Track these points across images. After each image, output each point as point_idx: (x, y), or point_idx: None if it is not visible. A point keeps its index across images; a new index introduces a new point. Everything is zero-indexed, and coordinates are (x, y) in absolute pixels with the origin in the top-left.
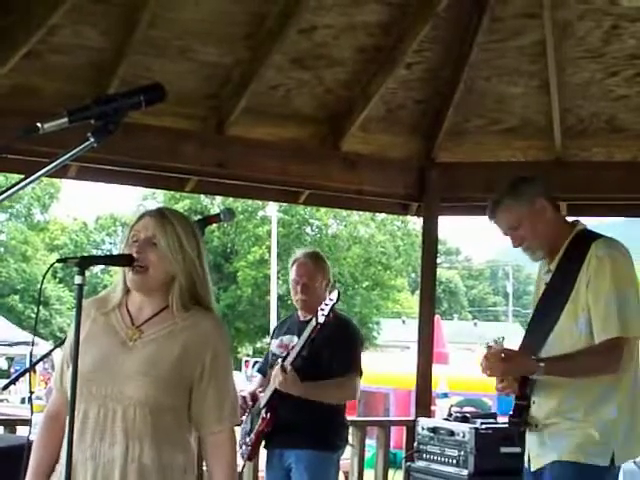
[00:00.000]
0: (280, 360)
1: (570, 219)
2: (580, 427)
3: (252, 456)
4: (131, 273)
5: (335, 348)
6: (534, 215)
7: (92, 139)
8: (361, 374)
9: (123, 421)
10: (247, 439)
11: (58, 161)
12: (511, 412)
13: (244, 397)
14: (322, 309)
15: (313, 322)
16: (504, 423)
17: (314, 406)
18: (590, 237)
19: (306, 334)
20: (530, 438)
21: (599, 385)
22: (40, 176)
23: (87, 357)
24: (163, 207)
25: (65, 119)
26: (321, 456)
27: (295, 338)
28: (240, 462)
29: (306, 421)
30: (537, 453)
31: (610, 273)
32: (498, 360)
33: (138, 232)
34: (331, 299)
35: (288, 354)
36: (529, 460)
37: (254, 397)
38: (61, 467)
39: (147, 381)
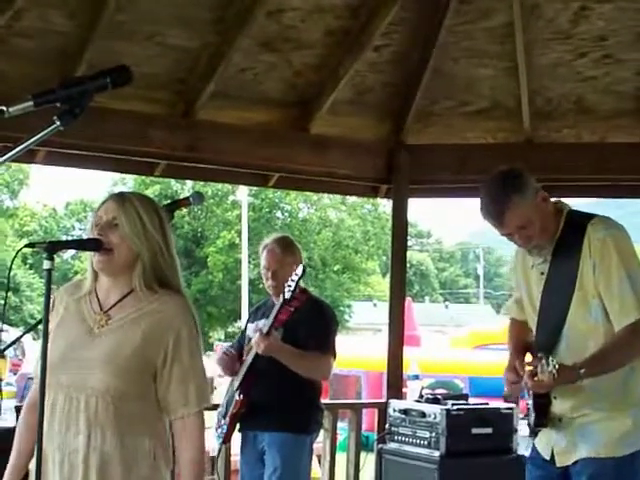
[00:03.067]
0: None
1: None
2: (611, 417)
3: (227, 439)
4: (97, 255)
5: (311, 329)
6: (541, 210)
7: (58, 122)
8: (335, 356)
9: (86, 410)
10: (222, 422)
11: (24, 145)
12: (533, 412)
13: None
14: (289, 285)
15: (280, 298)
16: (476, 403)
17: (288, 388)
18: (582, 218)
19: (275, 310)
20: (553, 433)
21: (621, 369)
22: (5, 160)
23: (56, 346)
24: (126, 191)
25: (31, 102)
26: (294, 439)
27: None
28: (216, 446)
29: (280, 403)
30: (564, 449)
31: (616, 254)
32: (550, 381)
33: (101, 216)
34: (296, 274)
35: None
36: (552, 456)
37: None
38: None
39: (108, 371)
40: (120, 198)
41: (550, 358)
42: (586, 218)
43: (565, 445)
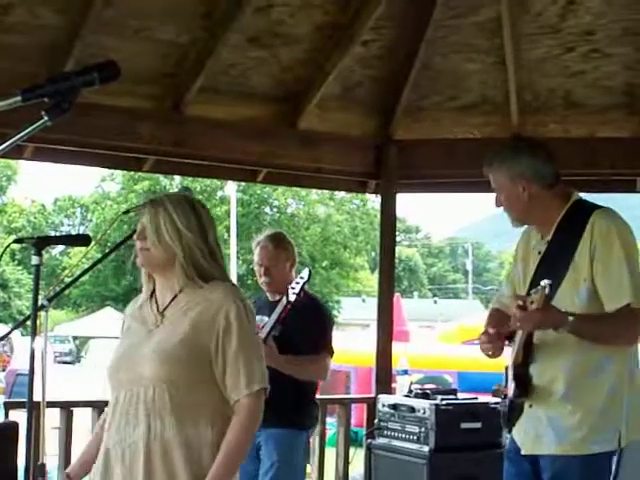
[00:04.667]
0: None
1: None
2: (581, 410)
3: None
4: (137, 253)
5: (307, 328)
6: (513, 194)
7: (46, 117)
8: (332, 354)
9: (145, 402)
10: None
11: (11, 140)
12: (513, 382)
13: None
14: (293, 287)
15: (284, 300)
16: (465, 398)
17: (285, 384)
18: (588, 206)
19: (277, 312)
20: (524, 419)
21: (597, 355)
22: None
23: (117, 349)
24: (160, 194)
25: (18, 97)
26: (290, 434)
27: (266, 318)
28: None
29: (276, 399)
30: (532, 437)
31: (619, 243)
32: (537, 309)
33: (140, 223)
34: (302, 277)
35: (258, 333)
36: (520, 441)
37: None
38: (99, 454)
39: (158, 359)
40: (151, 204)
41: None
42: (592, 206)
43: (532, 433)
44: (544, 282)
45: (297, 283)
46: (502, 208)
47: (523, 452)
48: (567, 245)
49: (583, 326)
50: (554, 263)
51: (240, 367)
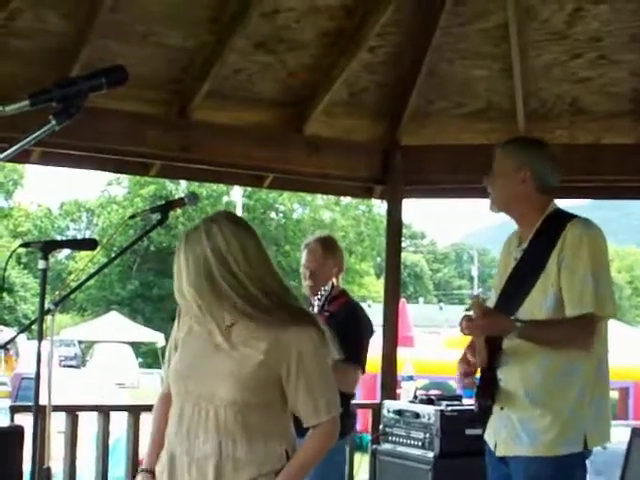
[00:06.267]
0: None
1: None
2: (550, 414)
3: None
4: None
5: (344, 339)
6: (511, 182)
7: (54, 122)
8: (364, 371)
9: (215, 420)
10: None
11: (19, 145)
12: (478, 385)
13: None
14: (319, 298)
15: (316, 306)
16: (470, 404)
17: None
18: (565, 216)
19: None
20: (496, 420)
21: (564, 360)
22: (1, 160)
23: (184, 354)
24: (190, 228)
25: (27, 102)
26: None
27: None
28: None
29: None
30: (505, 439)
31: (588, 252)
32: (479, 317)
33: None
34: (326, 290)
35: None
36: (495, 444)
37: None
38: (163, 457)
39: (233, 384)
40: (186, 241)
41: (480, 297)
42: (569, 217)
43: (505, 435)
44: (476, 292)
45: (321, 294)
46: (488, 188)
47: (497, 454)
48: (540, 254)
49: (531, 331)
50: (526, 271)
51: (318, 396)
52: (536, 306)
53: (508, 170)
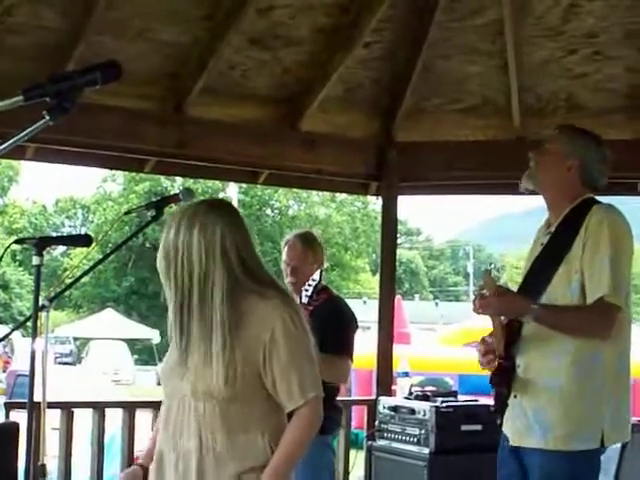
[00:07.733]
0: None
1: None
2: (566, 400)
3: None
4: None
5: (327, 329)
6: (555, 167)
7: (48, 118)
8: (352, 359)
9: (196, 415)
10: None
11: (13, 140)
12: (494, 374)
13: None
14: (306, 289)
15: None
16: (465, 400)
17: None
18: (592, 203)
19: None
20: (511, 409)
21: (589, 346)
22: None
23: (169, 355)
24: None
25: (20, 97)
26: (316, 440)
27: None
28: None
29: None
30: (519, 428)
31: (608, 235)
32: (492, 296)
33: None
34: (314, 279)
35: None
36: (509, 432)
37: None
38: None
39: (209, 375)
40: (174, 242)
41: (493, 268)
42: (595, 203)
43: (519, 425)
44: (488, 266)
45: (309, 285)
46: (531, 162)
47: (511, 443)
48: (564, 239)
49: (548, 315)
50: (550, 257)
51: (292, 378)
52: (559, 292)
53: (558, 156)
